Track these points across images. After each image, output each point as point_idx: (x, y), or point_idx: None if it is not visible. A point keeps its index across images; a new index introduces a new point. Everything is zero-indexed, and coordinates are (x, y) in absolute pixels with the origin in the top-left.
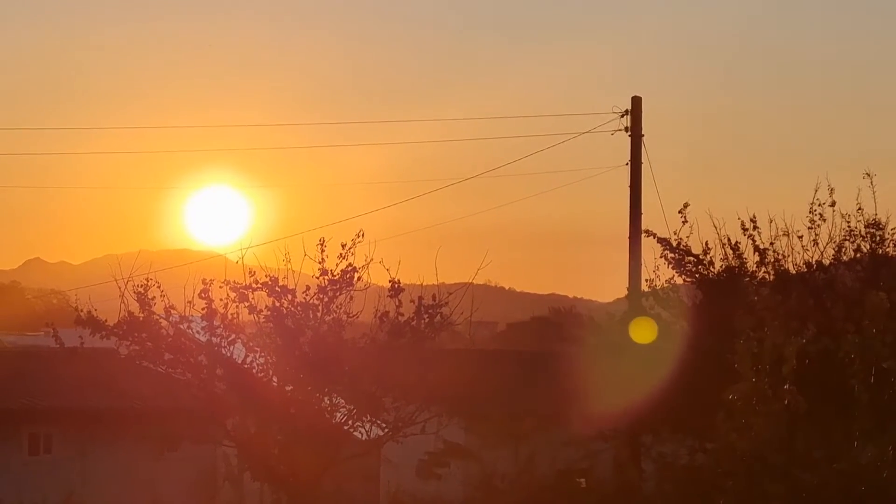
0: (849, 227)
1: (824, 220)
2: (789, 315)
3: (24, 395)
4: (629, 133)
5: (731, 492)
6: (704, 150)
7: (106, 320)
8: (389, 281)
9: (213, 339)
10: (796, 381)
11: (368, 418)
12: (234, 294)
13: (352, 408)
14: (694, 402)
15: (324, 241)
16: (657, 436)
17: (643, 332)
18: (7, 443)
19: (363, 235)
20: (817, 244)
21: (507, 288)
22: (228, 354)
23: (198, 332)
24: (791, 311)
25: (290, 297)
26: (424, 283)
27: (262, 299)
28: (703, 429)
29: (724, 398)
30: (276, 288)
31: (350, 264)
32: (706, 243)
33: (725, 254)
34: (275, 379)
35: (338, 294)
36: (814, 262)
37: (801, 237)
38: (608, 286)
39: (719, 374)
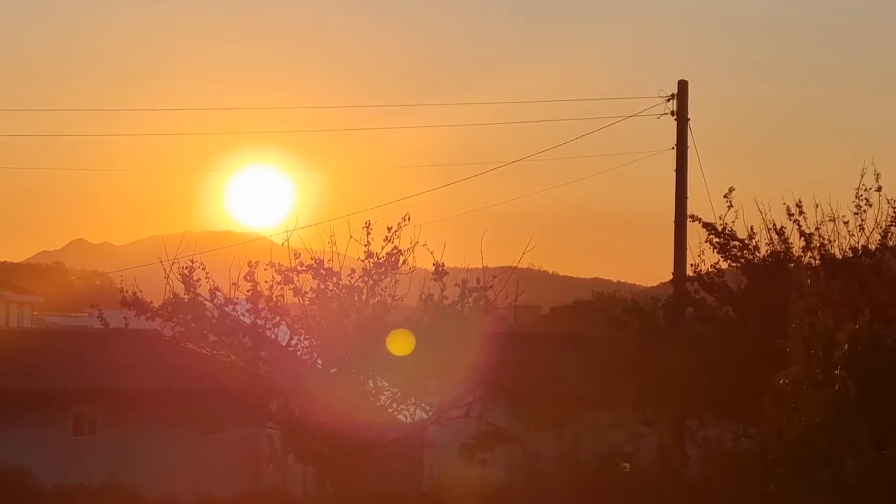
0: (895, 212)
1: (870, 205)
2: (840, 300)
3: (68, 375)
4: (675, 117)
5: (778, 477)
6: (750, 134)
7: (150, 302)
8: (434, 264)
9: (258, 322)
10: (847, 367)
11: (412, 401)
12: (279, 276)
13: (396, 391)
14: (739, 386)
15: (369, 223)
16: (701, 420)
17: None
18: (52, 423)
19: (409, 218)
20: (863, 229)
21: (550, 272)
22: (273, 337)
23: (242, 314)
24: (842, 296)
25: (335, 279)
26: (469, 267)
27: (307, 282)
28: (747, 413)
29: (772, 382)
30: (322, 270)
31: (395, 247)
32: (751, 228)
33: (771, 238)
34: (319, 361)
35: (383, 277)
36: (859, 248)
37: (846, 222)
38: (652, 270)
39: (765, 359)
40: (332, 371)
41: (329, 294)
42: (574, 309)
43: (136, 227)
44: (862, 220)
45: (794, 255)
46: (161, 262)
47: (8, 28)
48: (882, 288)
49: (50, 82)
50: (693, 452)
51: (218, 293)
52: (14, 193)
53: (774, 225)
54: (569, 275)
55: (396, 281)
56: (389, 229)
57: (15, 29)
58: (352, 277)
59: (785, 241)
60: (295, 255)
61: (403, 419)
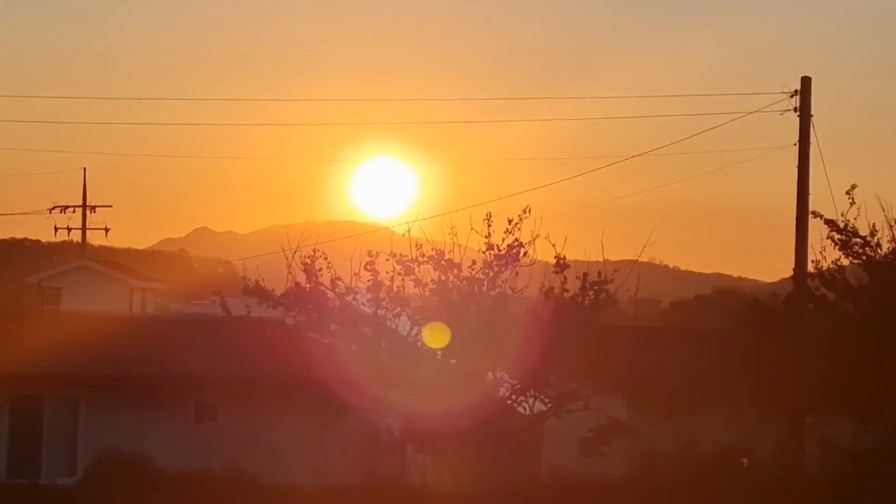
0: None
1: None
2: None
3: (191, 362)
4: (798, 113)
5: None
6: (874, 131)
7: (273, 290)
8: (555, 257)
9: (379, 312)
10: None
11: (532, 393)
12: (400, 267)
13: (515, 382)
14: (859, 383)
15: (490, 215)
16: (821, 417)
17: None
18: (174, 410)
19: (530, 211)
20: None
21: (671, 266)
22: (394, 327)
23: (363, 303)
24: None
25: (455, 271)
26: (590, 260)
27: (427, 273)
28: (867, 410)
29: (894, 379)
30: (442, 261)
31: (516, 239)
32: (873, 225)
33: (893, 236)
34: (439, 352)
35: (503, 269)
36: None
37: None
38: (773, 266)
39: (886, 356)
40: (452, 362)
41: (450, 285)
42: (694, 303)
43: (260, 216)
44: None
45: None
46: (283, 251)
47: (142, 19)
48: None
49: (177, 73)
50: (812, 449)
51: (339, 283)
52: (140, 181)
53: None
54: (690, 269)
55: (517, 273)
56: (510, 221)
57: (149, 20)
58: (472, 269)
59: None
60: (416, 245)
61: (523, 411)
